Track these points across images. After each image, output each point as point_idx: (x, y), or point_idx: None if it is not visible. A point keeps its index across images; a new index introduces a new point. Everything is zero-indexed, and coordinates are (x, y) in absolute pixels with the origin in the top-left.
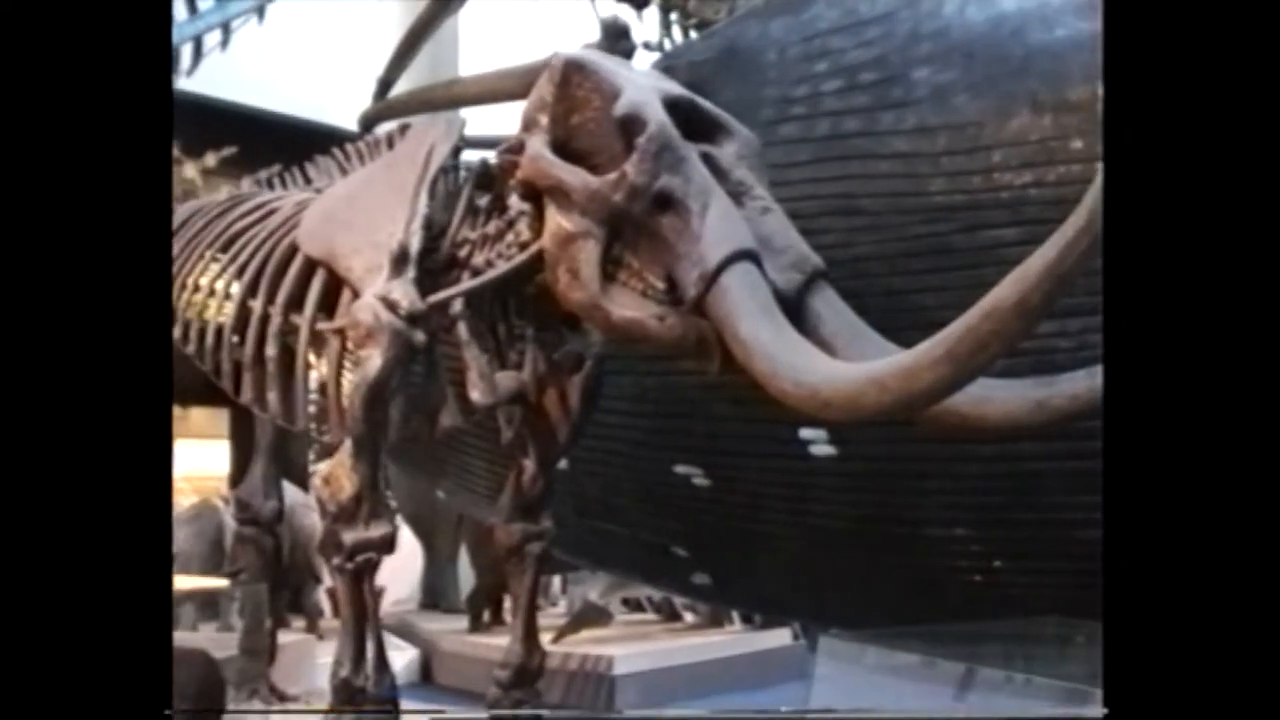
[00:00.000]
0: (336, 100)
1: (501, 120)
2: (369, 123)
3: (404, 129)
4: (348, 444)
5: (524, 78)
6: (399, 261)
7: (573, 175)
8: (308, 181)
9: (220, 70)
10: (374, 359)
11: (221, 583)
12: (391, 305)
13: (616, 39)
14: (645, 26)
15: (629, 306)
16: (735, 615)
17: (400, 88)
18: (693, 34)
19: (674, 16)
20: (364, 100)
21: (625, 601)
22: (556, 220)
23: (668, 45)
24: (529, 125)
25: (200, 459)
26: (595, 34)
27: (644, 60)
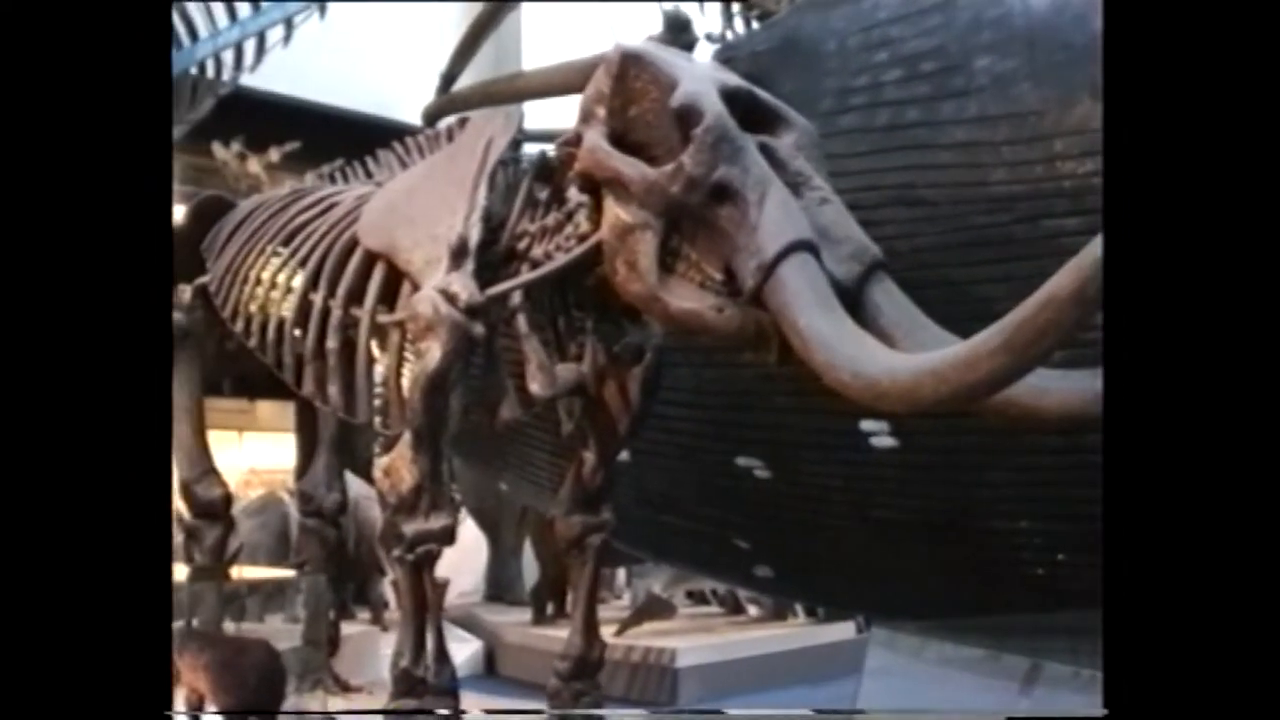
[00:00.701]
0: (399, 95)
1: (561, 113)
2: (433, 117)
3: (463, 122)
4: (408, 436)
5: (586, 71)
6: (458, 254)
7: (630, 167)
8: (368, 175)
9: (283, 66)
10: (434, 351)
11: (287, 574)
12: (451, 298)
13: (679, 31)
14: (707, 19)
15: (687, 298)
16: (799, 608)
17: (463, 82)
18: (754, 25)
19: (735, 8)
20: (427, 95)
21: (689, 594)
22: (614, 212)
23: (729, 37)
24: (587, 117)
25: (266, 452)
26: (658, 27)
27: (705, 52)
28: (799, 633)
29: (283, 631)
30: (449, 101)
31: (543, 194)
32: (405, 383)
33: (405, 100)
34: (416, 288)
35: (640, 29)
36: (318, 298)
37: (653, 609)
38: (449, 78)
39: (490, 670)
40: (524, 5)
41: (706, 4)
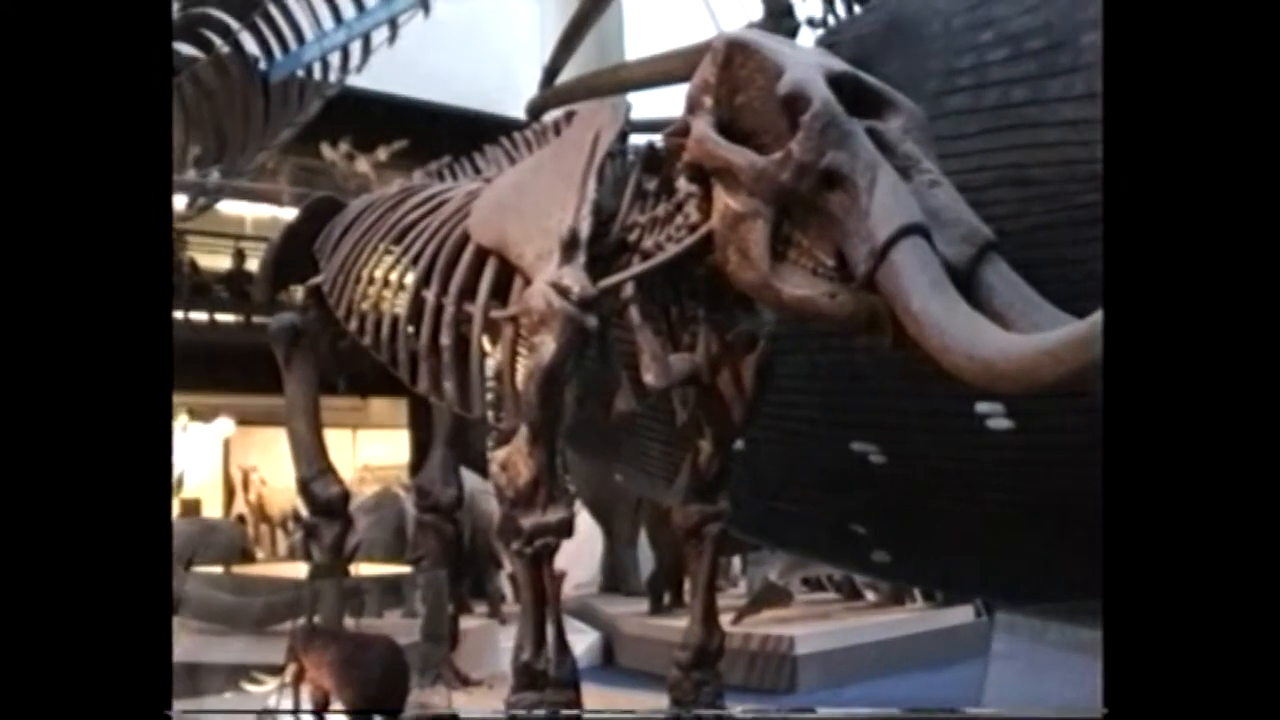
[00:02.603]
0: (504, 90)
1: (667, 103)
2: (537, 110)
3: (570, 116)
4: (524, 430)
5: (688, 59)
6: (569, 247)
7: (739, 155)
8: (476, 171)
9: (389, 65)
10: (548, 345)
11: (404, 569)
12: (564, 291)
13: (780, 17)
14: (808, 3)
15: (800, 285)
16: (917, 593)
17: (566, 74)
18: (856, 9)
19: None
20: (531, 89)
21: (805, 581)
22: (725, 201)
23: (831, 22)
24: (694, 107)
25: (380, 448)
26: (759, 12)
27: (807, 37)
28: (917, 617)
29: (401, 626)
30: (553, 95)
31: (651, 185)
32: (519, 377)
33: (510, 95)
34: (528, 282)
35: (741, 15)
36: (430, 294)
37: (770, 596)
38: (552, 71)
39: (608, 661)
40: None
41: None
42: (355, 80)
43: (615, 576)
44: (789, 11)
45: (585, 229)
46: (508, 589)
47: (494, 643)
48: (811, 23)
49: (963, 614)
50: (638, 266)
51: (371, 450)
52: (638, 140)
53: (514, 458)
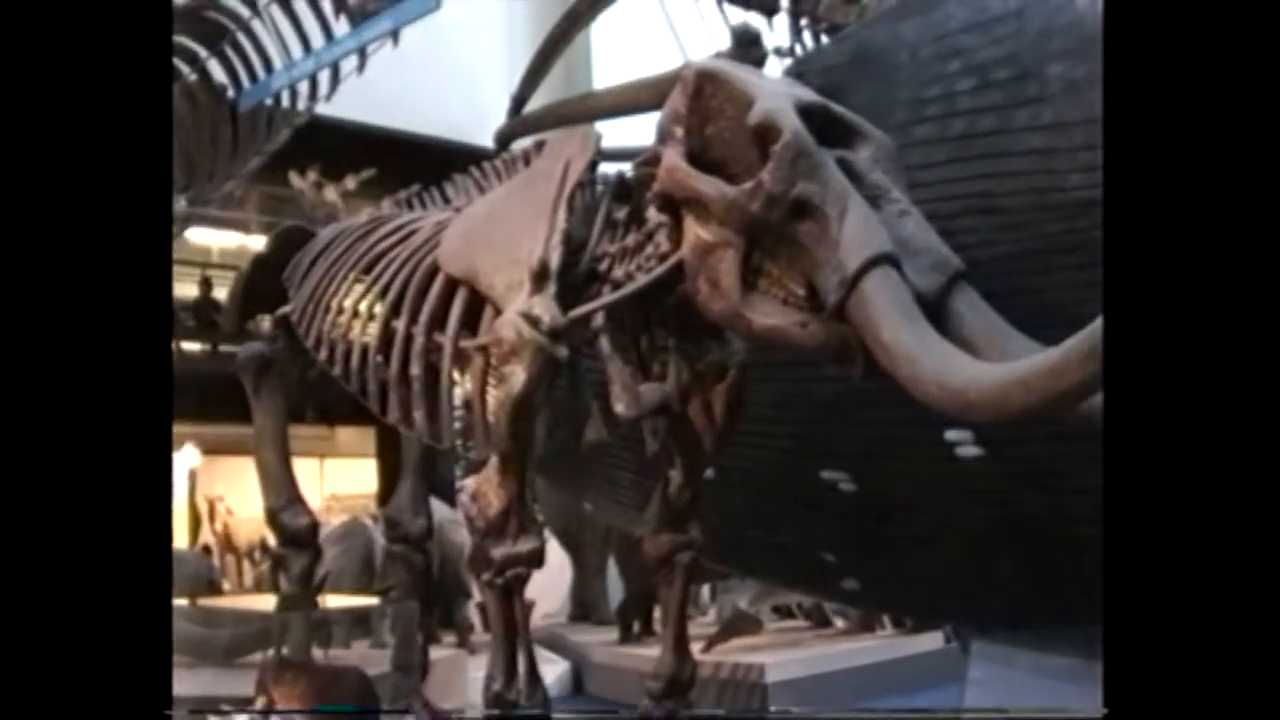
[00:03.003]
0: (472, 119)
1: (637, 132)
2: (505, 139)
3: (540, 145)
4: (494, 460)
5: (657, 88)
6: (540, 277)
7: (710, 185)
8: (446, 201)
9: (358, 94)
10: (518, 375)
11: (372, 600)
12: (534, 321)
13: (748, 46)
14: (776, 33)
15: (771, 314)
16: (886, 620)
17: (535, 103)
18: (823, 39)
19: (804, 21)
20: (499, 118)
21: (775, 609)
22: (695, 231)
23: (799, 51)
24: (664, 137)
25: (348, 478)
26: (726, 42)
27: (775, 67)
28: (887, 644)
29: (370, 657)
30: (521, 123)
31: (621, 214)
32: (490, 407)
33: (478, 124)
34: (499, 312)
35: (708, 44)
36: (400, 324)
37: (739, 625)
38: (520, 100)
39: (578, 690)
40: (593, 26)
41: (775, 18)
42: (324, 109)
43: (584, 605)
44: (756, 41)
45: (555, 259)
46: (476, 619)
47: (463, 673)
48: (779, 52)
49: (932, 640)
50: (608, 296)
51: (338, 479)
52: (608, 169)
53: (484, 488)
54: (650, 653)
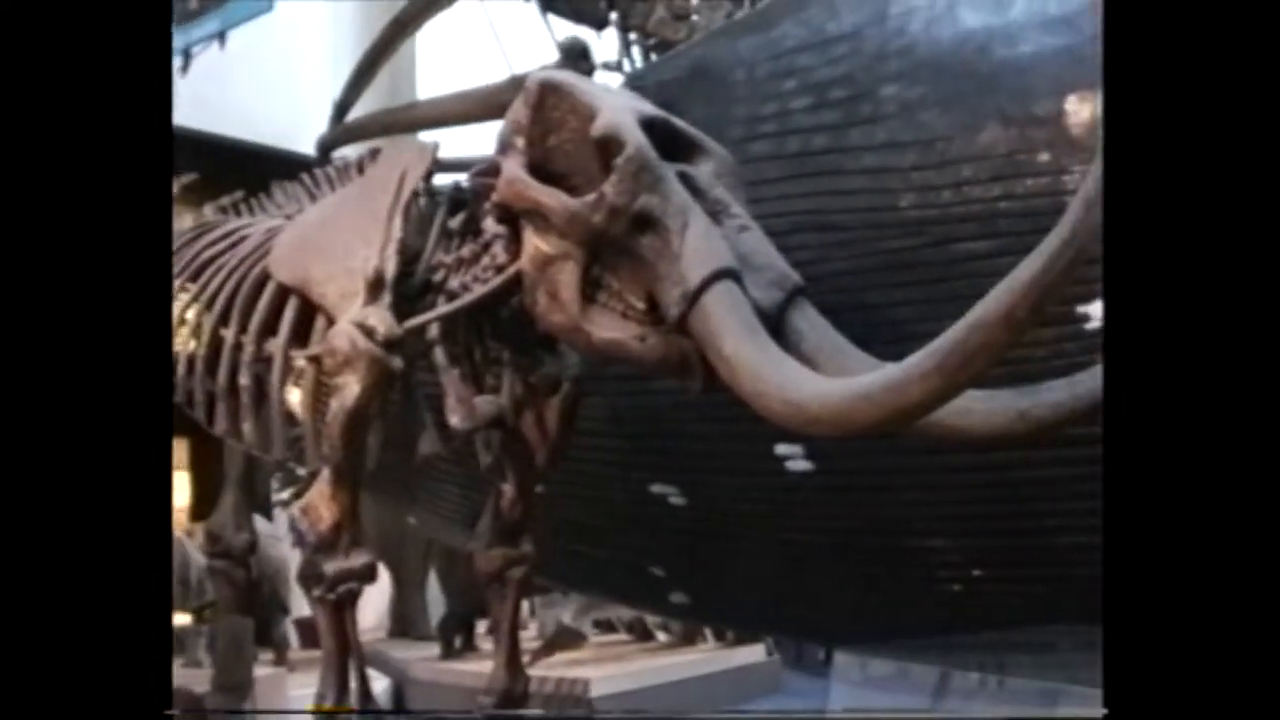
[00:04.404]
0: (295, 125)
1: (472, 142)
2: (327, 147)
3: (375, 153)
4: (326, 473)
5: (482, 100)
6: (374, 287)
7: (551, 197)
8: (276, 207)
9: (180, 98)
10: (351, 386)
11: (184, 619)
12: (368, 331)
13: (577, 59)
14: (604, 47)
15: (610, 328)
16: (709, 633)
17: (358, 111)
18: (653, 55)
19: (633, 37)
20: (321, 124)
21: (597, 623)
22: (535, 243)
23: (627, 66)
24: (505, 147)
25: None
26: (552, 55)
27: (604, 80)
28: (710, 657)
29: (186, 677)
30: (344, 131)
31: (456, 225)
32: (323, 419)
33: (301, 130)
34: (331, 322)
35: (536, 56)
36: (229, 333)
37: (563, 639)
38: (343, 107)
39: (399, 707)
40: (418, 34)
41: (603, 32)
42: None
43: (404, 621)
44: (585, 54)
45: (391, 268)
46: (293, 636)
47: (283, 691)
48: (607, 66)
49: (754, 653)
50: (444, 307)
51: None
52: (444, 179)
53: (317, 502)
54: (473, 668)
